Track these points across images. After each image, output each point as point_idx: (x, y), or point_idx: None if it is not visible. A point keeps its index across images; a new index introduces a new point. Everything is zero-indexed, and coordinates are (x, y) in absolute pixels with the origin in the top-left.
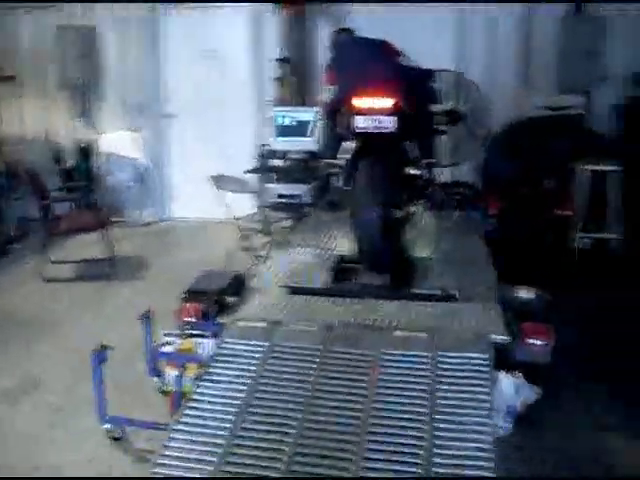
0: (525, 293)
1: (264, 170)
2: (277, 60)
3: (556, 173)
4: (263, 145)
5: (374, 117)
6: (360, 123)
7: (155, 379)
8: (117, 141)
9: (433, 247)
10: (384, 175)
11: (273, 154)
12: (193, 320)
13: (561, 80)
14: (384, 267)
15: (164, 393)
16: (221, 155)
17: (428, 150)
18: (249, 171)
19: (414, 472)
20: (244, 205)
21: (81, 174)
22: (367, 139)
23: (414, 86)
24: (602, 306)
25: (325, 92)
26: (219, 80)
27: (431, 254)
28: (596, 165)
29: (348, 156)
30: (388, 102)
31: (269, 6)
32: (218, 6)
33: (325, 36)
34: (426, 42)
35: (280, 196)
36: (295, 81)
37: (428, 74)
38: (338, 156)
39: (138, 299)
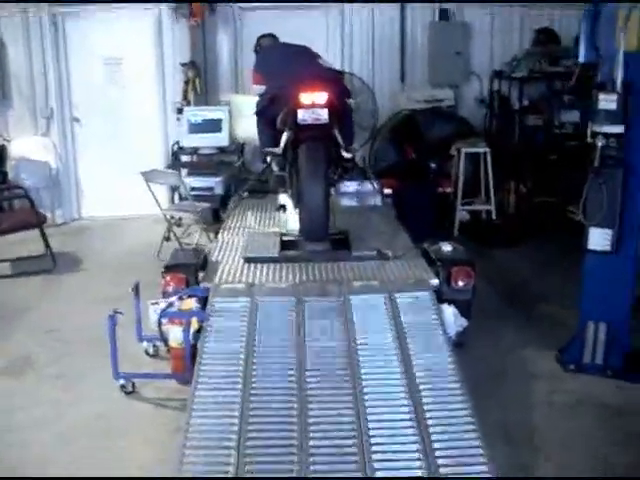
0: (446, 246)
1: (178, 165)
2: (183, 64)
3: (437, 156)
4: (175, 143)
5: (312, 110)
6: (301, 116)
7: (144, 343)
8: (27, 146)
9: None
10: (323, 158)
11: (185, 150)
12: (180, 287)
13: (433, 77)
14: (324, 236)
15: (151, 355)
16: (129, 155)
17: (350, 137)
18: (167, 167)
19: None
20: (165, 198)
21: None
22: (306, 129)
23: (335, 83)
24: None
25: (255, 91)
26: (125, 84)
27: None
28: (469, 148)
29: (282, 145)
30: (323, 97)
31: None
32: (122, 13)
33: (224, 40)
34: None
35: (193, 189)
36: (199, 82)
37: (342, 73)
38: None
39: (87, 287)
